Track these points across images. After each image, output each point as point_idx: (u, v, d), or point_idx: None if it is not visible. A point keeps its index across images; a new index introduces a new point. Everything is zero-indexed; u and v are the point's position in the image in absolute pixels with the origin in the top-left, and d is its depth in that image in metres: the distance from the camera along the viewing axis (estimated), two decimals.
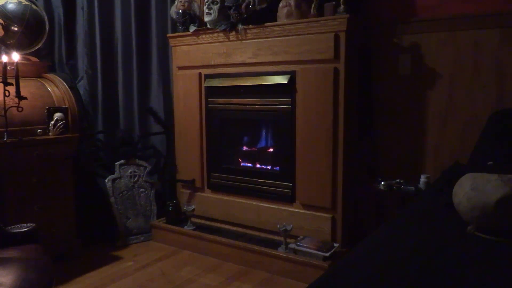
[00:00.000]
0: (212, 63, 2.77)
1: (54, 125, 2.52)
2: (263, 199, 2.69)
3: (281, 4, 2.47)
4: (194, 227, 2.86)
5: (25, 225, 1.75)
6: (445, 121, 2.40)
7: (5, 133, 2.26)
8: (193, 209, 2.88)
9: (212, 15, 2.63)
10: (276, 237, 2.60)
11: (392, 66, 2.51)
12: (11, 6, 2.55)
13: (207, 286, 2.33)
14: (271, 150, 2.81)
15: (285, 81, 2.46)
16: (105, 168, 3.11)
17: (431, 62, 2.40)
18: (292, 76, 2.46)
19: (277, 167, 2.69)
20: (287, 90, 2.48)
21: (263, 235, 2.69)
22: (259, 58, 2.56)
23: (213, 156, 2.91)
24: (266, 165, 2.79)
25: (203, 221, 2.96)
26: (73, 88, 2.99)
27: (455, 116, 2.37)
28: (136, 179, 3.06)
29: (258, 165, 2.83)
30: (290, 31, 2.43)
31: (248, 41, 2.60)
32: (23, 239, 1.69)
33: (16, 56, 2.30)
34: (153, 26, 3.17)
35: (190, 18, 2.82)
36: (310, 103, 2.41)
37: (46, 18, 2.75)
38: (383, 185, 2.34)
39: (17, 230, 1.72)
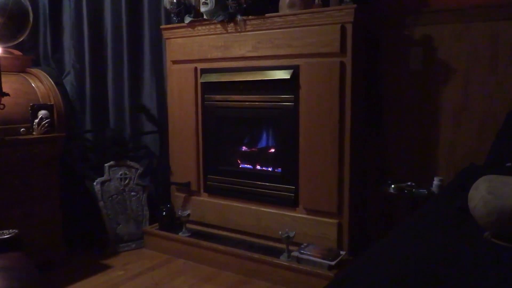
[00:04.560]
0: (209, 56, 2.77)
1: (39, 123, 2.52)
2: (263, 203, 2.69)
3: None
4: (189, 234, 2.86)
5: (7, 231, 1.75)
6: (459, 119, 2.40)
7: None
8: (189, 214, 2.88)
9: (209, 5, 2.64)
10: (277, 245, 2.60)
11: (402, 60, 2.52)
12: None
13: None
14: (272, 150, 2.82)
15: (288, 76, 2.47)
16: (93, 170, 3.11)
17: (445, 56, 2.41)
18: (295, 71, 2.46)
19: (279, 169, 2.69)
20: (290, 86, 2.49)
21: (263, 242, 2.69)
22: (260, 51, 2.56)
23: (210, 157, 2.91)
24: (267, 167, 2.79)
25: (199, 227, 2.96)
26: (59, 83, 2.99)
27: (471, 114, 2.37)
28: (127, 181, 3.07)
29: (258, 167, 2.83)
30: (293, 23, 2.43)
31: (248, 33, 2.60)
32: (5, 247, 1.69)
33: None
34: (146, 17, 3.17)
35: (185, 9, 2.82)
36: (315, 100, 2.41)
37: (30, 8, 2.74)
38: (393, 188, 2.35)
39: None
